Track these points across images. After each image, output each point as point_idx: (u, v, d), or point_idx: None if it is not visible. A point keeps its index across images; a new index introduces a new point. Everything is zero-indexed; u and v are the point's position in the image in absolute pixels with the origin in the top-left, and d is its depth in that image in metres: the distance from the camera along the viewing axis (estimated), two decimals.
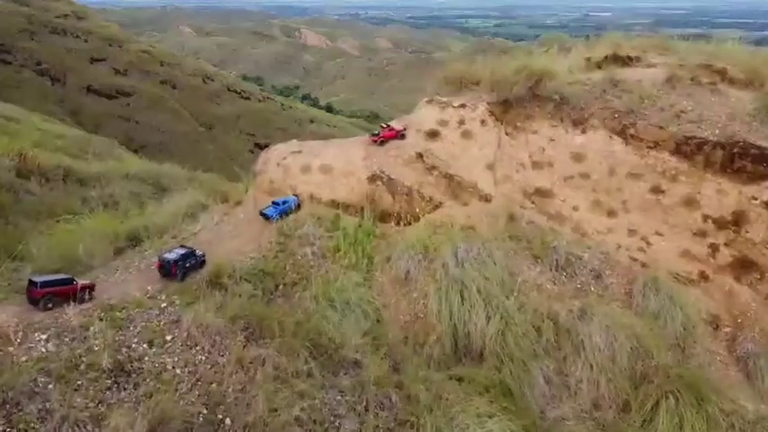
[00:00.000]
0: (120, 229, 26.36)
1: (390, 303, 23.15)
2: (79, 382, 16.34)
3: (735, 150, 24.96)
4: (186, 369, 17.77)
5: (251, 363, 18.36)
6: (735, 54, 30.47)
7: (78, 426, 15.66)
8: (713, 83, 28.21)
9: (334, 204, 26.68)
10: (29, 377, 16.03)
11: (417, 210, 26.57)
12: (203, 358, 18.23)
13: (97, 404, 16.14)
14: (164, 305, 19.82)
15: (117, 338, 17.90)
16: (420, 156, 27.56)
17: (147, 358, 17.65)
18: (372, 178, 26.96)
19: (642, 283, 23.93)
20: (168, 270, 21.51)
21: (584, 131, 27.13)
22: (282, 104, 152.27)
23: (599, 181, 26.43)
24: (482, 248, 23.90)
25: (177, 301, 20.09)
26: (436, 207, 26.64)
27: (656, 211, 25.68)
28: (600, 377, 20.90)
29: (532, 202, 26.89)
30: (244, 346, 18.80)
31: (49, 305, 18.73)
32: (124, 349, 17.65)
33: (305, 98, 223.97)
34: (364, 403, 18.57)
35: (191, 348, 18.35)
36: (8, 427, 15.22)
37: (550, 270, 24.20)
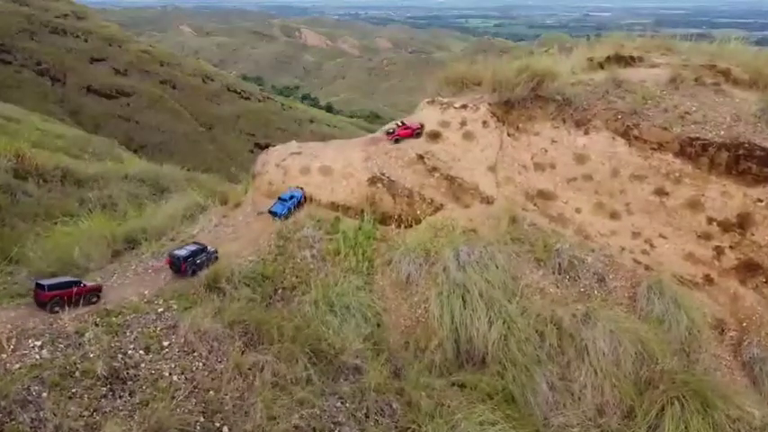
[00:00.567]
0: (118, 231, 26.04)
1: (391, 307, 22.83)
2: (74, 390, 15.96)
3: (740, 152, 24.60)
4: (183, 376, 17.40)
5: (249, 369, 18.01)
6: (738, 54, 30.10)
7: None
8: (717, 83, 27.86)
9: (333, 206, 26.35)
10: (22, 385, 15.63)
11: (418, 212, 26.24)
12: (201, 365, 17.88)
13: (92, 413, 15.75)
14: (161, 310, 19.47)
15: (113, 344, 17.52)
16: (421, 157, 27.23)
17: (143, 365, 17.28)
18: (373, 180, 26.63)
19: (646, 287, 23.60)
20: (178, 267, 21.50)
21: (586, 133, 26.79)
22: (282, 104, 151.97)
23: (602, 183, 26.09)
24: (484, 251, 23.58)
25: (175, 306, 19.75)
26: (437, 209, 26.32)
27: (659, 213, 25.34)
28: (604, 383, 20.58)
29: (535, 205, 26.57)
30: (242, 352, 18.45)
31: (56, 308, 18.58)
32: (120, 356, 17.28)
33: (305, 98, 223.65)
34: (364, 410, 18.23)
35: (188, 354, 17.98)
36: None
37: (553, 273, 23.88)
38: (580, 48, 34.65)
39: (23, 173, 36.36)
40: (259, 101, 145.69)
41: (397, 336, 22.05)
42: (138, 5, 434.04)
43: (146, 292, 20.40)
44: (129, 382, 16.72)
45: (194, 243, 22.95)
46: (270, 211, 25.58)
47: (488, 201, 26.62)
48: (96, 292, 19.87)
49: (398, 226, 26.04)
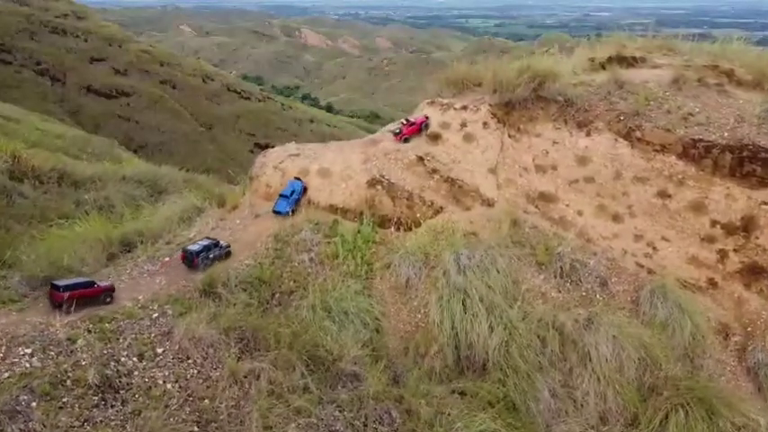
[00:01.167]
0: (114, 234, 25.74)
1: (390, 312, 22.45)
2: (64, 400, 15.58)
3: (744, 154, 24.23)
4: (177, 384, 17.05)
5: (245, 377, 17.64)
6: (741, 55, 29.74)
7: None
8: (720, 84, 27.50)
9: (332, 209, 25.98)
10: (10, 395, 15.24)
11: (418, 215, 25.85)
12: (195, 372, 17.53)
13: (83, 423, 15.39)
14: (155, 315, 19.11)
15: (105, 352, 17.16)
16: (421, 159, 26.87)
17: (136, 373, 16.92)
18: (372, 182, 26.25)
19: (649, 291, 23.24)
20: (191, 262, 21.93)
21: (588, 134, 26.41)
22: (282, 104, 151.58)
23: (604, 185, 25.72)
24: (485, 255, 23.18)
25: (170, 311, 19.39)
26: (437, 212, 25.94)
27: (662, 215, 24.96)
28: (607, 390, 20.21)
29: (536, 207, 26.21)
30: (238, 359, 18.11)
31: (71, 309, 18.72)
32: (113, 363, 16.90)
33: (305, 98, 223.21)
34: (363, 419, 17.83)
35: (182, 362, 17.63)
36: None
37: (555, 277, 23.50)
38: (581, 48, 34.28)
39: (19, 174, 36.06)
40: (259, 101, 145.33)
41: (397, 341, 21.66)
42: (138, 5, 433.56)
43: (140, 297, 20.03)
44: (122, 391, 16.36)
45: (207, 238, 23.45)
46: (274, 211, 25.43)
47: (489, 203, 26.25)
48: (110, 292, 20.05)
49: (398, 229, 25.66)
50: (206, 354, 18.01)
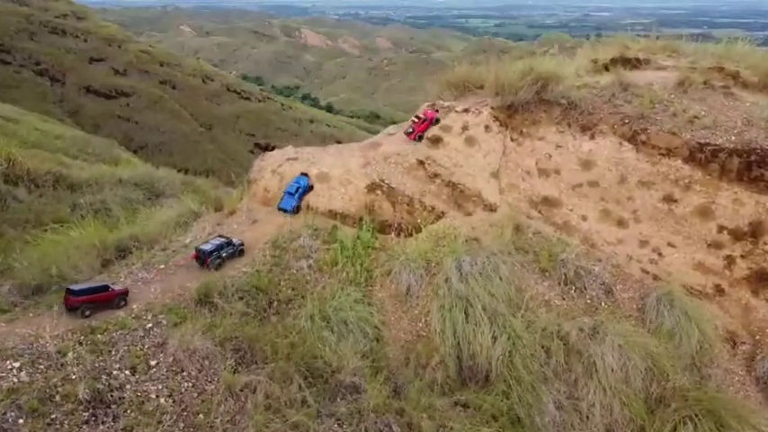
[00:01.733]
0: (109, 239, 25.26)
1: (390, 321, 21.91)
2: (53, 416, 14.97)
3: (752, 158, 23.71)
4: (171, 398, 16.46)
5: (241, 390, 17.06)
6: (746, 56, 29.26)
7: None
8: (726, 87, 26.97)
9: (331, 214, 25.49)
10: None
11: (419, 220, 25.35)
12: (190, 385, 16.95)
13: None
14: (149, 326, 18.55)
15: (97, 365, 16.57)
16: (421, 163, 26.37)
17: (128, 387, 16.34)
18: (372, 187, 25.76)
19: (655, 298, 22.70)
20: (203, 261, 21.91)
21: (592, 137, 25.92)
22: (282, 104, 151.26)
23: (608, 189, 25.22)
24: (487, 262, 22.66)
25: (164, 321, 18.84)
26: (438, 217, 25.44)
27: (668, 221, 24.46)
28: (613, 401, 19.67)
29: (539, 212, 25.72)
30: (234, 371, 17.55)
31: (87, 312, 18.72)
32: (104, 377, 16.32)
33: (305, 98, 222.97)
34: None
35: (176, 374, 17.06)
36: None
37: (559, 285, 22.98)
38: (584, 49, 33.81)
39: (14, 177, 35.56)
40: (259, 101, 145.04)
41: (397, 351, 21.11)
42: (138, 5, 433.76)
43: (134, 306, 19.48)
44: (113, 406, 15.75)
45: (219, 237, 23.36)
46: (279, 208, 25.27)
47: (491, 208, 25.75)
48: (124, 296, 19.87)
49: (398, 235, 25.16)
50: (201, 366, 17.46)
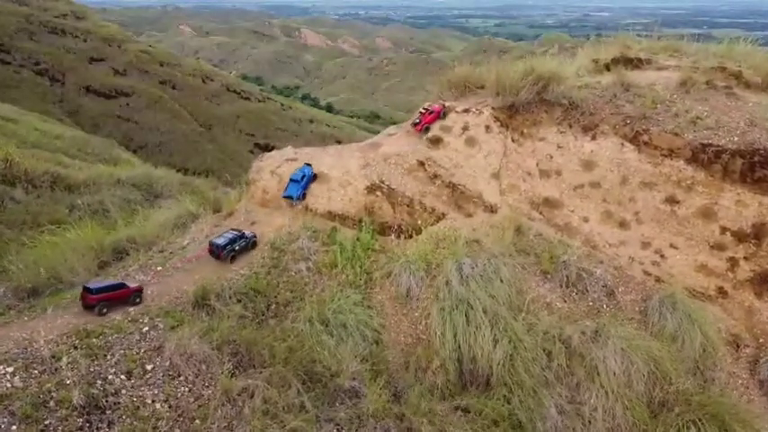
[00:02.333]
0: (106, 241, 25.07)
1: (390, 324, 21.63)
2: (47, 422, 14.67)
3: (755, 159, 23.46)
4: (167, 403, 16.17)
5: (238, 395, 16.77)
6: (748, 56, 28.97)
7: None
8: (729, 87, 26.72)
9: (330, 216, 25.24)
10: None
11: (419, 222, 25.10)
12: (186, 390, 16.68)
13: None
14: (146, 329, 18.30)
15: (92, 369, 16.30)
16: (422, 164, 26.12)
17: (124, 392, 16.06)
18: (371, 188, 25.51)
19: (658, 301, 22.45)
20: (217, 255, 22.30)
21: (594, 138, 25.68)
22: (282, 104, 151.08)
23: (610, 190, 24.97)
24: (488, 264, 22.40)
25: (161, 325, 18.59)
26: (439, 219, 25.19)
27: (670, 222, 24.20)
28: (615, 405, 19.39)
29: (540, 213, 25.47)
30: (231, 375, 17.28)
31: (104, 310, 18.93)
32: (99, 382, 16.05)
33: (305, 98, 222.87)
34: None
35: (173, 379, 16.78)
36: None
37: (560, 287, 22.72)
38: (585, 49, 33.49)
39: (11, 178, 35.35)
40: (259, 101, 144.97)
41: (397, 354, 20.83)
42: (138, 5, 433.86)
43: (130, 309, 19.25)
44: (108, 412, 15.46)
45: (232, 230, 23.66)
46: (284, 196, 25.25)
47: (492, 209, 25.50)
48: (139, 293, 20.01)
49: (398, 236, 24.90)
50: (198, 370, 17.19)
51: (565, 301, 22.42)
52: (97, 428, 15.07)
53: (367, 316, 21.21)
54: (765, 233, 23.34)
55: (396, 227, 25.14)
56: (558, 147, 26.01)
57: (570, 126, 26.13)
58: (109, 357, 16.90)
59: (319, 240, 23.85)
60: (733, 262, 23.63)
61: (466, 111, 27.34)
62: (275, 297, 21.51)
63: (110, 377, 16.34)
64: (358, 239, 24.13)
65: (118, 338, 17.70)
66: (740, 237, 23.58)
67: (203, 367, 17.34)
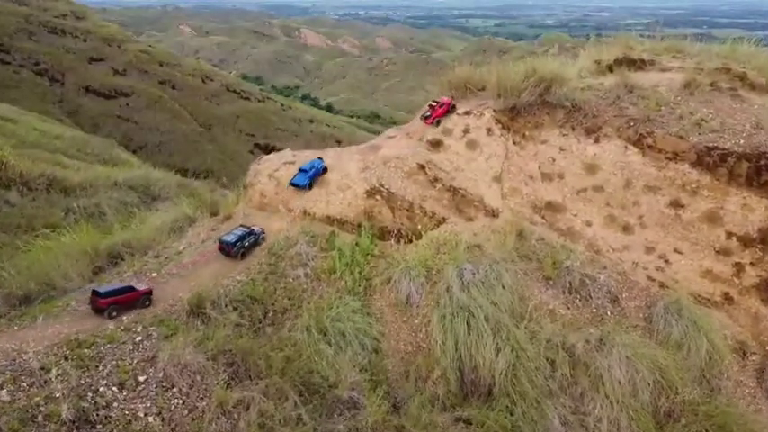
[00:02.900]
0: (101, 245, 24.54)
1: (390, 332, 21.15)
2: None
3: (761, 162, 23.01)
4: (160, 417, 15.73)
5: (234, 407, 16.33)
6: (752, 57, 28.50)
7: None
8: (734, 89, 26.25)
9: (329, 220, 24.77)
10: None
11: (419, 226, 24.63)
12: (180, 402, 16.23)
13: None
14: (139, 339, 17.85)
15: (83, 381, 15.86)
16: (422, 167, 25.65)
17: (115, 404, 15.61)
18: (371, 192, 25.05)
19: (663, 307, 21.98)
20: (227, 252, 22.50)
21: (597, 141, 25.22)
22: (282, 104, 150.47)
23: (614, 194, 24.52)
24: (489, 270, 21.92)
25: (155, 334, 18.14)
26: (439, 223, 24.71)
27: (675, 227, 23.75)
28: (620, 415, 18.94)
29: (542, 217, 24.99)
30: (227, 386, 16.82)
31: (114, 313, 18.89)
32: (90, 394, 15.60)
33: (305, 98, 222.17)
34: None
35: (166, 391, 16.33)
36: None
37: (564, 293, 22.25)
38: (587, 50, 32.99)
39: (6, 181, 34.80)
40: (259, 101, 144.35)
41: (397, 363, 20.35)
42: (138, 5, 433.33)
43: (124, 318, 18.79)
44: (99, 426, 15.02)
45: (241, 226, 23.80)
46: (291, 183, 25.26)
47: (493, 213, 25.04)
48: (148, 295, 19.95)
49: (398, 241, 24.42)
50: (192, 382, 16.73)
51: (568, 308, 21.95)
52: None
53: (366, 324, 20.75)
54: None
55: (395, 231, 24.67)
56: (561, 150, 25.56)
57: (573, 128, 25.68)
58: (100, 368, 16.45)
59: (318, 245, 23.40)
60: (739, 267, 23.16)
61: (467, 113, 26.90)
62: (272, 304, 21.04)
63: (101, 389, 15.88)
64: (357, 244, 23.66)
65: (110, 348, 17.26)
66: (746, 242, 23.12)
67: (198, 378, 16.89)
